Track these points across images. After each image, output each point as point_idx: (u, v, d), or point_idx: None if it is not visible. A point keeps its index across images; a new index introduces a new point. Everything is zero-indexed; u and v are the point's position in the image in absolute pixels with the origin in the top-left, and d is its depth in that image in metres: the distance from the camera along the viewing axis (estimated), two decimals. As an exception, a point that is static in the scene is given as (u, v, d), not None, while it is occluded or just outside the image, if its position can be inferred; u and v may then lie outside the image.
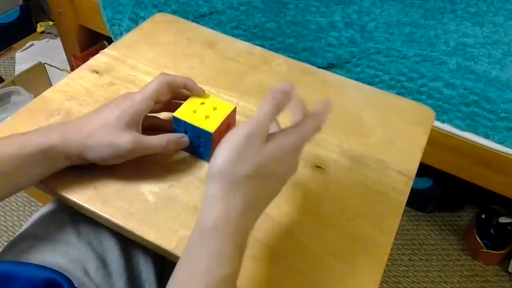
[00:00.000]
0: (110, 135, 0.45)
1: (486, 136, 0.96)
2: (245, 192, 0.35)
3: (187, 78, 0.51)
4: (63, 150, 0.45)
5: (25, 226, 0.53)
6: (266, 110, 0.37)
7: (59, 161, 0.46)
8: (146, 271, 0.53)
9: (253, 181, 0.35)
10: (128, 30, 1.19)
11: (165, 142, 0.48)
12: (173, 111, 0.49)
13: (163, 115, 0.54)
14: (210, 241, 0.34)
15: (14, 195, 1.32)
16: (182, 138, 0.49)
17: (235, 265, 0.34)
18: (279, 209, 0.48)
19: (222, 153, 0.35)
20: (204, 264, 0.33)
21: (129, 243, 0.51)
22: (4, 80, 1.57)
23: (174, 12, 1.15)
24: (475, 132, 0.97)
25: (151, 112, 0.50)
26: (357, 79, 0.68)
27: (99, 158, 0.47)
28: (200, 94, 0.51)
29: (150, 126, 0.51)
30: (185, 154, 0.53)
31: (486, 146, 0.97)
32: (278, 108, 0.37)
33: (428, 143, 0.58)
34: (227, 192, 0.35)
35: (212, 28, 0.74)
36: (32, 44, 1.87)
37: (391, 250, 0.46)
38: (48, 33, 1.91)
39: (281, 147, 0.37)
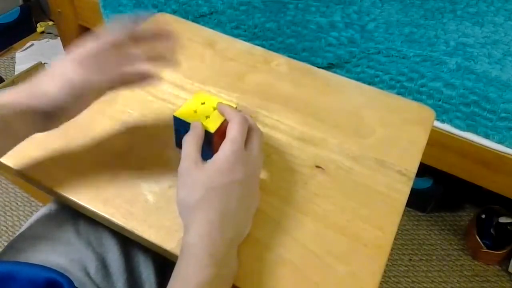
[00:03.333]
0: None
1: (486, 136, 0.96)
2: (206, 210, 0.41)
3: (153, 30, 0.48)
4: (51, 89, 0.42)
5: (25, 226, 0.53)
6: (190, 141, 0.44)
7: (13, 114, 0.42)
8: (146, 271, 0.53)
9: (209, 198, 0.41)
10: (128, 30, 1.19)
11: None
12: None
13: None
14: (188, 255, 0.39)
15: (14, 195, 1.33)
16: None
17: (210, 271, 0.38)
18: (279, 209, 0.48)
19: (178, 187, 0.43)
20: (184, 274, 0.38)
21: (129, 243, 0.51)
22: (4, 80, 1.58)
23: (174, 12, 1.15)
24: (475, 132, 0.97)
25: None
26: (357, 79, 0.68)
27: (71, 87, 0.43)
28: (171, 34, 0.48)
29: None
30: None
31: (486, 146, 0.97)
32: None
33: (428, 143, 0.58)
34: (193, 216, 0.41)
35: (212, 28, 0.74)
36: (32, 44, 1.87)
37: (391, 250, 0.46)
38: (48, 33, 1.91)
39: (218, 160, 0.42)
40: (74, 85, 0.43)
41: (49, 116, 0.43)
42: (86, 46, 0.45)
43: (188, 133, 0.45)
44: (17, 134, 0.43)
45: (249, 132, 0.46)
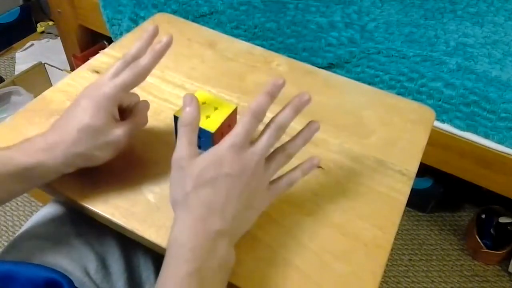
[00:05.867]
0: (93, 136, 0.44)
1: (486, 136, 0.96)
2: (190, 204, 0.40)
3: (151, 55, 0.47)
4: (50, 165, 0.43)
5: (25, 226, 0.53)
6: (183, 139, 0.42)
7: (47, 175, 0.45)
8: (146, 271, 0.53)
9: (194, 193, 0.40)
10: (128, 30, 1.19)
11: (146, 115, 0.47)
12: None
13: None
14: (169, 251, 0.39)
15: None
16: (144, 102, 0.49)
17: (190, 266, 0.37)
18: (279, 209, 0.48)
19: (170, 182, 0.42)
20: (165, 270, 0.38)
21: (129, 243, 0.51)
22: (4, 80, 1.58)
23: (174, 12, 1.15)
24: (475, 132, 0.97)
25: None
26: (357, 79, 0.68)
27: (90, 160, 0.45)
28: (168, 44, 0.47)
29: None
30: (185, 154, 0.53)
31: (486, 146, 0.97)
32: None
33: (428, 143, 0.58)
34: (179, 212, 0.40)
35: (212, 28, 0.74)
36: (32, 44, 1.87)
37: (391, 250, 0.46)
38: (48, 33, 1.91)
39: (210, 153, 0.41)
40: (114, 145, 0.45)
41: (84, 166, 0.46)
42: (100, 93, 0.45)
43: (181, 125, 0.43)
44: (49, 179, 0.45)
45: (264, 130, 0.44)
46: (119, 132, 0.45)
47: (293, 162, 0.53)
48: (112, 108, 0.45)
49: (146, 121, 0.49)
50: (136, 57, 0.47)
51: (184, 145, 0.42)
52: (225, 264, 0.40)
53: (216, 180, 0.40)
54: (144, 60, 0.46)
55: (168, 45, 0.47)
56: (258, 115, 0.42)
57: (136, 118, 0.47)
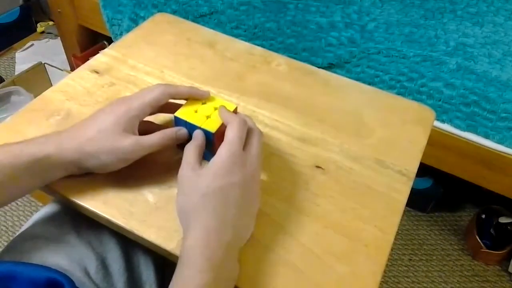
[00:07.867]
0: (109, 140, 0.45)
1: (486, 136, 0.96)
2: (202, 215, 0.41)
3: (189, 88, 0.50)
4: (58, 159, 0.44)
5: (25, 226, 0.53)
6: (190, 148, 0.45)
7: (54, 171, 0.45)
8: (147, 271, 0.53)
9: (204, 204, 0.41)
10: (128, 30, 1.19)
11: (163, 139, 0.47)
12: (170, 112, 0.49)
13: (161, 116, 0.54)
14: (185, 260, 0.39)
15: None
16: (179, 130, 0.48)
17: (207, 276, 0.38)
18: (279, 210, 0.48)
19: (177, 193, 0.44)
20: (181, 279, 0.39)
21: (129, 244, 0.51)
22: (4, 80, 1.58)
23: (174, 12, 1.15)
24: (475, 132, 0.97)
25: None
26: (357, 79, 0.68)
27: (98, 164, 0.46)
28: (206, 97, 0.50)
29: (145, 131, 0.50)
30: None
31: (486, 146, 0.97)
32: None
33: (428, 143, 0.58)
34: (190, 222, 0.41)
35: (212, 28, 0.74)
36: (32, 44, 1.87)
37: (391, 250, 0.46)
38: (48, 33, 1.91)
39: (214, 164, 0.42)
40: (119, 152, 0.45)
41: (90, 170, 0.47)
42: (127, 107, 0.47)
43: (190, 142, 0.46)
44: (53, 178, 0.46)
45: (248, 133, 0.46)
46: (125, 142, 0.45)
47: (294, 164, 0.54)
48: (134, 121, 0.47)
49: (156, 144, 0.47)
50: (175, 87, 0.50)
51: (190, 160, 0.44)
52: (232, 276, 0.41)
53: (221, 190, 0.42)
54: (179, 86, 0.50)
55: (205, 94, 0.50)
56: (246, 119, 0.46)
57: (152, 138, 0.47)
